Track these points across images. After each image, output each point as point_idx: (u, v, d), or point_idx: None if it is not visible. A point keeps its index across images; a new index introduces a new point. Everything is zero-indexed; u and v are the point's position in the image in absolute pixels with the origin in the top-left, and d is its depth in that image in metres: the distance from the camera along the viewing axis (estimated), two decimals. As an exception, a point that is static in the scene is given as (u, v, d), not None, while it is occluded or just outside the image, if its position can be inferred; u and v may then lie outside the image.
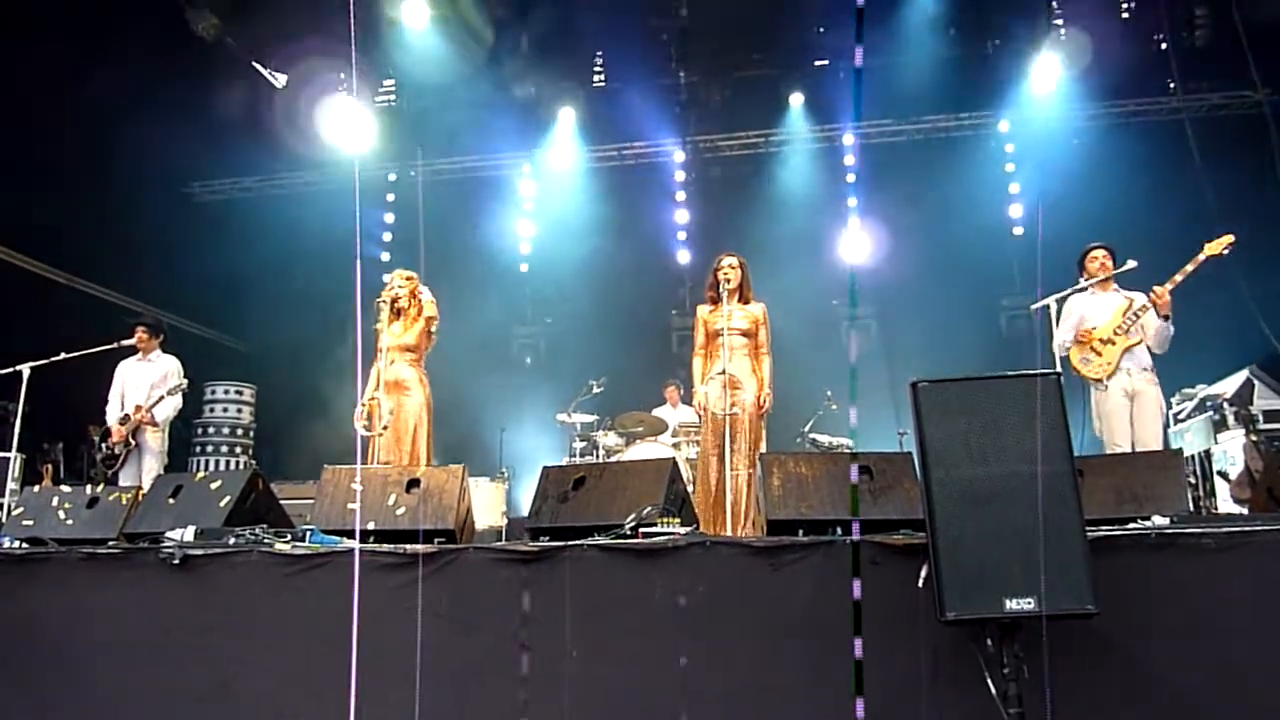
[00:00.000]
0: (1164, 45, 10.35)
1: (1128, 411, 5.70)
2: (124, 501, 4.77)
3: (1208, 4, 10.13)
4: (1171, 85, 10.47)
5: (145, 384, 6.88)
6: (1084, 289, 5.92)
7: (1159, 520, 3.58)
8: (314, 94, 12.10)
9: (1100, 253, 5.95)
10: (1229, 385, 7.19)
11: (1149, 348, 5.81)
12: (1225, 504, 6.75)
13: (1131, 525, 3.60)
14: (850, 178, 11.50)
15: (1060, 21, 10.98)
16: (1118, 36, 10.70)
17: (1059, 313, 5.85)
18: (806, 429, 8.69)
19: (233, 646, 3.99)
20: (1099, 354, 5.79)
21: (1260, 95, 9.75)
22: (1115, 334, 5.77)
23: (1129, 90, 10.77)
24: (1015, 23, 10.77)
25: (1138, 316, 5.76)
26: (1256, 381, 6.99)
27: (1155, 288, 5.65)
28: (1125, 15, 10.79)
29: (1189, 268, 5.61)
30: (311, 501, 4.66)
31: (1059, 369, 5.77)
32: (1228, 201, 8.58)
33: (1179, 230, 8.66)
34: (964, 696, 3.28)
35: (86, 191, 9.31)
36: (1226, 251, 5.57)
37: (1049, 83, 10.86)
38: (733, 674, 3.58)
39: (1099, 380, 5.73)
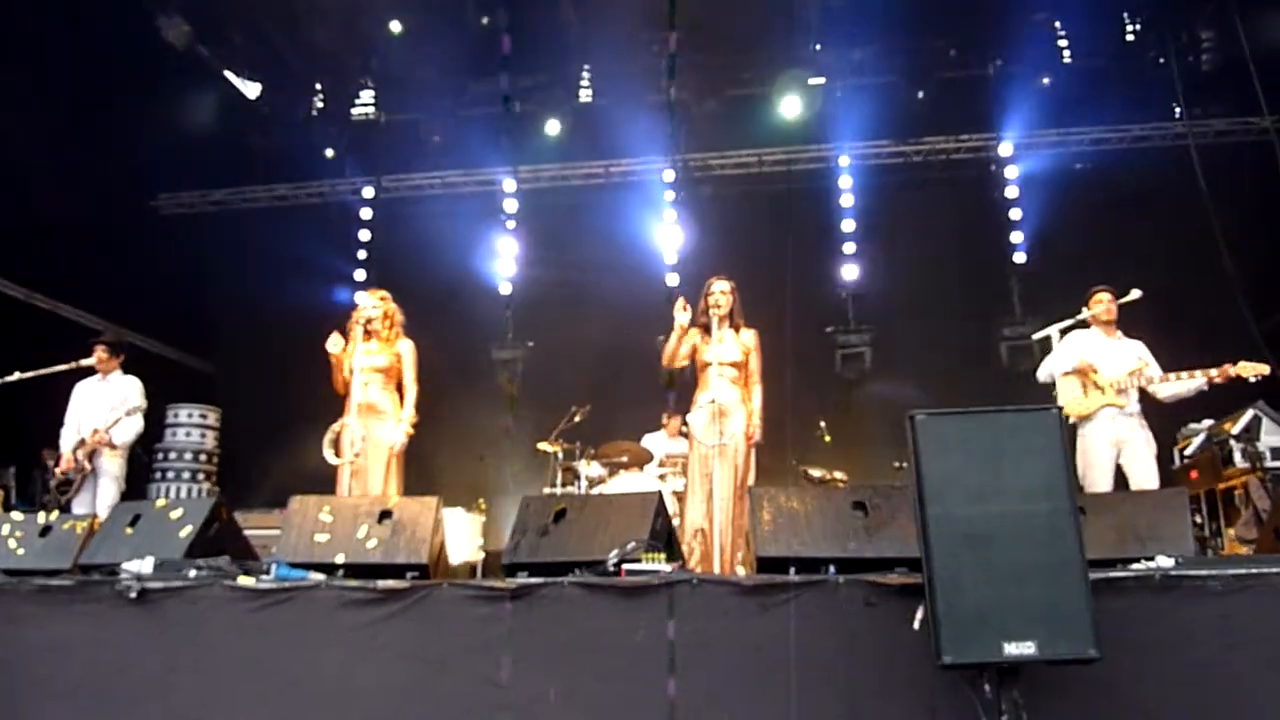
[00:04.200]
0: (1169, 70, 10.51)
1: (1113, 460, 5.83)
2: (79, 530, 4.73)
3: (1214, 28, 10.31)
4: (1177, 111, 10.62)
5: (104, 406, 6.81)
6: (1085, 324, 6.08)
7: (1163, 561, 3.61)
8: (288, 104, 12.16)
9: (1106, 296, 6.09)
10: (1235, 421, 7.25)
11: (1156, 396, 5.97)
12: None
13: (1135, 566, 3.62)
14: (846, 200, 11.58)
15: (1064, 44, 11.16)
16: (1122, 60, 10.87)
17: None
18: (797, 462, 8.70)
19: (192, 686, 3.94)
20: (1085, 394, 5.93)
21: (1267, 122, 9.93)
22: (1110, 386, 5.89)
23: (1133, 115, 10.91)
24: (1017, 44, 10.92)
25: (1142, 386, 5.89)
26: (1264, 417, 7.04)
27: (1218, 372, 5.73)
28: (1130, 38, 10.96)
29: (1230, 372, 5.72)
30: (278, 532, 4.63)
31: (1060, 402, 5.85)
32: (1233, 228, 8.73)
33: (1183, 258, 8.83)
34: (961, 745, 3.28)
35: (45, 202, 9.26)
36: (1255, 379, 5.68)
37: (1051, 106, 11.00)
38: (720, 718, 3.57)
39: (1068, 417, 5.86)
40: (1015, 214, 11.30)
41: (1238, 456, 7.00)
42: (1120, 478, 5.87)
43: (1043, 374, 6.21)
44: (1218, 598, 3.42)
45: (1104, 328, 6.10)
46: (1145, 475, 5.77)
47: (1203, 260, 8.75)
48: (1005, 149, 11.35)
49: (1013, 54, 11.04)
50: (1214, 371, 5.71)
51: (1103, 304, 6.06)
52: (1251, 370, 5.65)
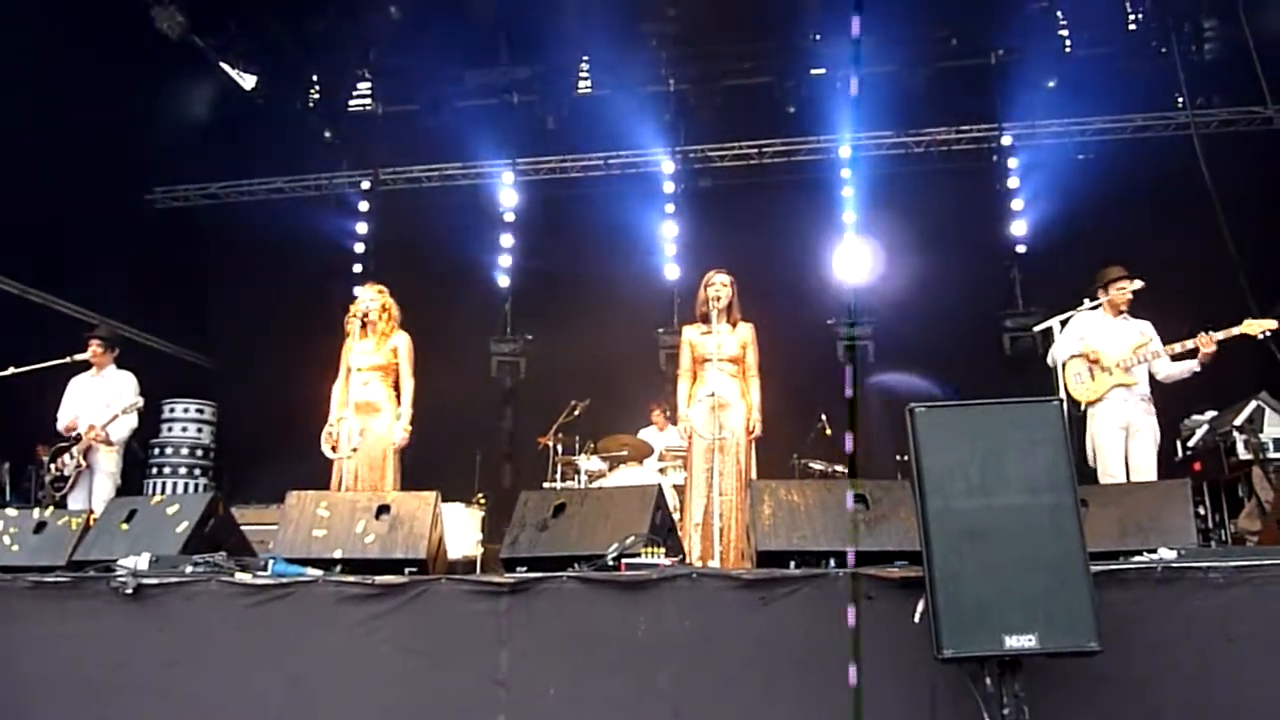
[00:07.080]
0: (1172, 59, 10.47)
1: (1123, 443, 5.85)
2: (74, 526, 4.72)
3: (1217, 17, 10.27)
4: (1180, 100, 10.58)
5: (99, 401, 6.82)
6: (1095, 309, 6.06)
7: (1165, 553, 3.61)
8: (284, 96, 12.12)
9: (1137, 285, 5.99)
10: (1238, 412, 7.25)
11: (1155, 376, 5.96)
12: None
13: (1137, 558, 3.62)
14: (847, 191, 11.56)
15: (1066, 33, 11.13)
16: (1124, 49, 10.83)
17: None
18: (798, 456, 8.70)
19: (189, 682, 3.95)
20: (1092, 378, 5.95)
21: (1271, 111, 9.89)
22: (1117, 366, 5.91)
23: (1135, 105, 10.88)
24: (1019, 33, 10.88)
25: (1148, 360, 5.90)
26: (1267, 408, 7.04)
27: (1206, 338, 5.64)
28: (1132, 27, 10.91)
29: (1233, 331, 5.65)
30: (275, 528, 4.63)
31: (1062, 394, 5.86)
32: (1237, 219, 8.71)
33: (1187, 249, 8.80)
34: (962, 738, 3.29)
35: (39, 196, 9.24)
36: (1263, 336, 5.57)
37: (1053, 96, 10.97)
38: (721, 714, 3.57)
39: (1079, 403, 5.91)
40: (1017, 204, 11.28)
41: (1241, 448, 6.99)
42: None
43: (1052, 359, 6.15)
44: (1220, 590, 3.41)
45: (1109, 310, 6.08)
46: (1146, 466, 5.79)
47: (1206, 251, 8.73)
48: (1007, 139, 11.33)
49: (1014, 43, 11.00)
50: (1216, 333, 5.62)
51: (1124, 290, 6.00)
52: (1259, 327, 5.52)
